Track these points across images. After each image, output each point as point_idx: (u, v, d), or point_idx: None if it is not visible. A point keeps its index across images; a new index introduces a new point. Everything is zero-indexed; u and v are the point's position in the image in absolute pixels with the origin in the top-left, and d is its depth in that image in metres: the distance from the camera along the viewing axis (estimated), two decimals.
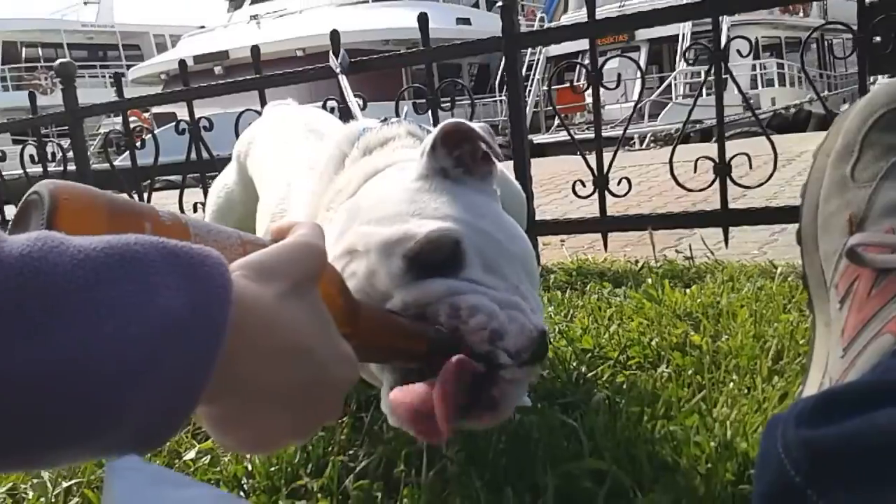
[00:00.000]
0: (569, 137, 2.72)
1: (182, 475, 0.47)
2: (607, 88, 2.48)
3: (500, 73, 14.58)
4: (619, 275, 2.27)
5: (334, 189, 1.05)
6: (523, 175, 2.44)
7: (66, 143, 3.53)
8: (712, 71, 2.30)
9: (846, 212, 0.80)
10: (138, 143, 3.26)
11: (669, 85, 17.53)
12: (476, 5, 23.65)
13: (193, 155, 2.95)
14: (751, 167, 2.35)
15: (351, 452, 1.17)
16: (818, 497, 0.51)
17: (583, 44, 2.53)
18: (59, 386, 0.39)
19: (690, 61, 9.34)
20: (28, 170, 3.48)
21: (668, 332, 1.55)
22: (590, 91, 2.48)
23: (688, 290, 1.87)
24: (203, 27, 25.66)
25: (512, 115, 2.55)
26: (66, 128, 3.38)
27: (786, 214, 2.27)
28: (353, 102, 1.63)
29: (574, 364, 1.44)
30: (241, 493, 1.11)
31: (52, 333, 0.39)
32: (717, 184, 2.34)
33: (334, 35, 2.50)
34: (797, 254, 0.88)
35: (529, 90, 17.27)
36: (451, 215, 0.87)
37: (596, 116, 2.55)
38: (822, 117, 11.20)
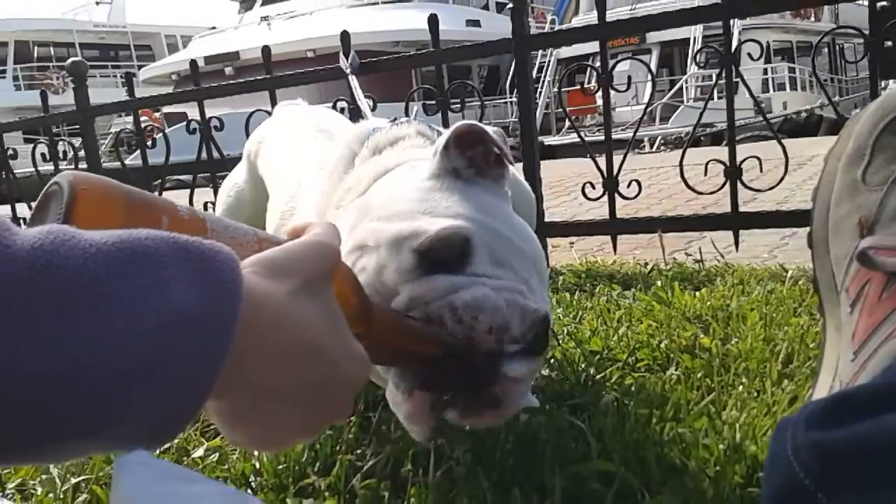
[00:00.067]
0: (579, 140, 2.71)
1: (191, 471, 0.47)
2: (618, 91, 2.48)
3: (510, 74, 14.59)
4: (628, 277, 2.26)
5: (344, 188, 1.05)
6: (533, 177, 2.44)
7: (77, 141, 3.56)
8: (723, 74, 2.29)
9: (857, 215, 0.80)
10: (149, 143, 3.29)
11: (680, 88, 17.48)
12: (486, 7, 23.67)
13: (204, 154, 2.97)
14: (761, 170, 2.34)
15: (359, 451, 1.17)
16: (828, 500, 0.50)
17: (593, 46, 2.54)
18: (68, 381, 0.39)
19: (701, 64, 9.29)
20: (40, 168, 3.50)
21: (677, 334, 1.55)
22: (600, 93, 2.47)
23: (697, 293, 1.86)
24: (214, 28, 25.82)
25: (522, 116, 2.54)
26: (78, 126, 3.41)
27: (796, 218, 2.27)
28: (364, 103, 1.63)
29: (583, 366, 1.43)
30: (249, 491, 1.11)
31: (63, 328, 0.39)
32: (727, 187, 2.33)
33: (344, 36, 2.50)
34: (808, 257, 0.87)
35: (540, 92, 17.24)
36: (462, 214, 0.87)
37: (606, 119, 2.55)
38: (833, 121, 11.15)
